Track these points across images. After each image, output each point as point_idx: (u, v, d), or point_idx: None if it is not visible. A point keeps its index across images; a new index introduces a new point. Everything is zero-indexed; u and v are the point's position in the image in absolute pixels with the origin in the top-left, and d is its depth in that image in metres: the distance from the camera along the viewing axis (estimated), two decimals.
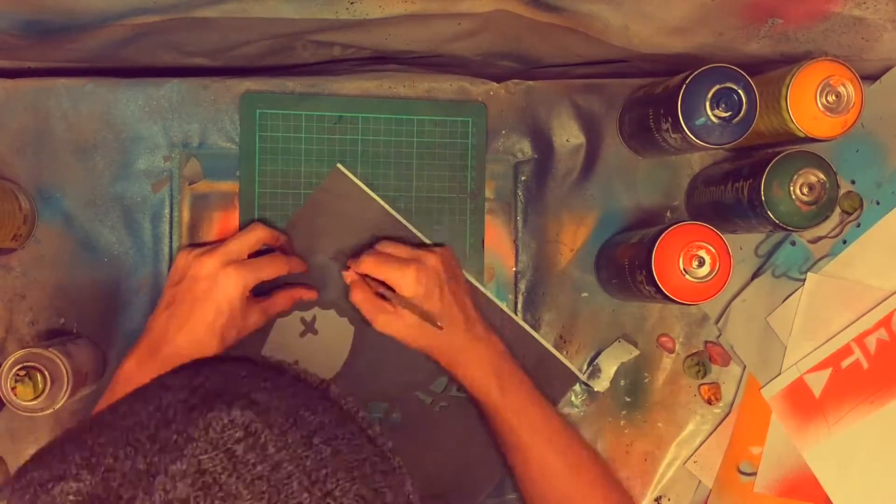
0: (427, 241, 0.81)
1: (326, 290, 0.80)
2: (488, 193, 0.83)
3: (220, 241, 0.75)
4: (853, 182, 0.83)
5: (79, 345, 0.75)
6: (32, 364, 0.69)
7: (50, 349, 0.70)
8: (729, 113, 0.71)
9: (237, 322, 0.72)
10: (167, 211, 0.80)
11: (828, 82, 0.71)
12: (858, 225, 0.83)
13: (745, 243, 0.84)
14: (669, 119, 0.72)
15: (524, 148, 0.84)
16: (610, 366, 0.83)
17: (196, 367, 0.44)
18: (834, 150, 0.79)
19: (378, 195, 0.81)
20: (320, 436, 0.40)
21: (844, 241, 0.83)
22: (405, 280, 0.74)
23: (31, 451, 0.78)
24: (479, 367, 0.75)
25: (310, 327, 0.80)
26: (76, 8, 0.67)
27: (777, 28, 0.74)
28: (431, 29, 0.76)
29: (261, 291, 0.75)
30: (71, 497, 0.36)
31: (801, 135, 0.72)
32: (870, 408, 0.82)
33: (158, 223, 0.80)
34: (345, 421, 0.42)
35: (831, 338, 0.82)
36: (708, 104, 0.71)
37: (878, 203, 0.83)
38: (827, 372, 0.82)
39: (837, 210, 0.82)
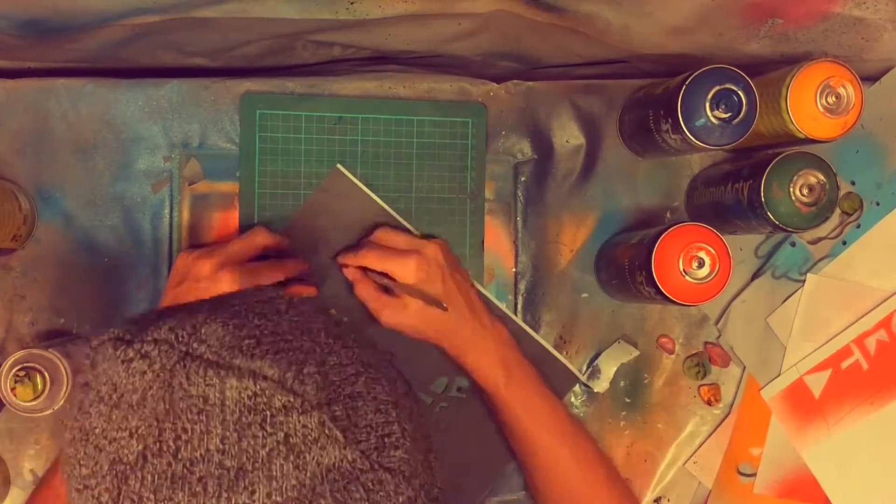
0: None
1: (325, 289, 0.80)
2: (488, 194, 0.83)
3: (221, 243, 0.75)
4: (853, 183, 0.83)
5: (79, 345, 0.75)
6: (32, 365, 0.69)
7: (50, 350, 0.70)
8: (729, 114, 0.71)
9: None
10: (167, 211, 0.80)
11: (828, 83, 0.71)
12: (858, 226, 0.83)
13: (744, 244, 0.83)
14: (669, 120, 0.72)
15: (524, 148, 0.84)
16: (610, 366, 0.83)
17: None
18: (834, 151, 0.79)
19: (378, 195, 0.81)
20: (337, 330, 0.45)
21: (844, 242, 0.83)
22: (407, 268, 0.74)
23: (31, 451, 0.78)
24: (486, 355, 0.75)
25: None
26: (76, 8, 0.67)
27: (777, 28, 0.74)
28: (431, 29, 0.76)
29: None
30: (149, 316, 0.43)
31: (801, 136, 0.72)
32: (869, 409, 0.82)
33: (158, 223, 0.80)
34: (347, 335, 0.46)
35: (831, 339, 0.82)
36: (708, 105, 0.71)
37: (877, 204, 0.83)
38: (827, 373, 0.82)
39: (837, 211, 0.82)
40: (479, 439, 0.81)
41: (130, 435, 0.39)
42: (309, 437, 0.39)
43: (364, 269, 0.77)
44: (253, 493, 0.38)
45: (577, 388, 0.83)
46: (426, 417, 0.47)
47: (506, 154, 0.84)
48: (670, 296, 0.72)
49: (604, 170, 0.84)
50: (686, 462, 0.84)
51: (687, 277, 0.72)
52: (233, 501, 0.37)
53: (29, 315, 0.79)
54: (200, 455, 0.38)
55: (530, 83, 0.84)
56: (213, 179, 0.81)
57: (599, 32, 0.76)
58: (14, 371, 0.69)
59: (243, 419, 0.38)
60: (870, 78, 0.82)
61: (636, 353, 0.83)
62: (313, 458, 0.39)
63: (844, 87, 0.71)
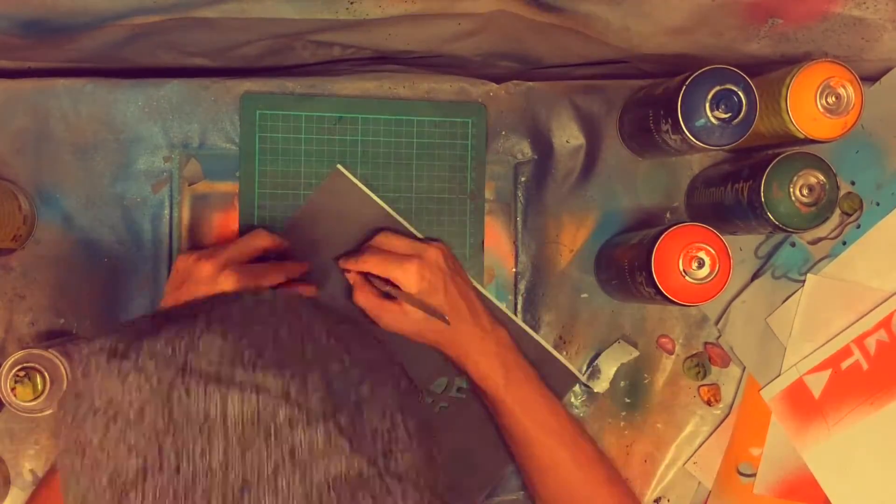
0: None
1: (326, 290, 0.80)
2: (488, 194, 0.83)
3: (222, 245, 0.75)
4: (853, 183, 0.83)
5: (79, 345, 0.75)
6: (32, 365, 0.69)
7: (49, 350, 0.70)
8: (729, 114, 0.71)
9: None
10: (167, 211, 0.80)
11: (828, 83, 0.71)
12: (858, 226, 0.83)
13: (744, 244, 0.83)
14: (669, 120, 0.72)
15: (524, 149, 0.84)
16: (610, 367, 0.83)
17: None
18: (834, 151, 0.79)
19: (378, 196, 0.81)
20: (335, 317, 0.45)
21: (844, 243, 0.83)
22: (408, 276, 0.74)
23: (31, 451, 0.78)
24: (485, 358, 0.75)
25: None
26: (76, 8, 0.67)
27: (777, 28, 0.74)
28: (431, 29, 0.76)
29: None
30: (146, 323, 0.42)
31: (801, 136, 0.72)
32: (869, 409, 0.82)
33: (158, 223, 0.80)
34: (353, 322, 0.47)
35: (831, 339, 0.82)
36: (708, 105, 0.71)
37: (877, 204, 0.83)
38: (827, 373, 0.82)
39: (837, 211, 0.82)
40: (479, 440, 0.80)
41: (129, 450, 0.38)
42: (315, 449, 0.38)
43: (364, 275, 0.77)
44: None
45: (577, 388, 0.83)
46: (429, 412, 0.47)
47: (506, 154, 0.84)
48: (670, 296, 0.72)
49: (604, 170, 0.84)
50: (686, 462, 0.84)
51: (687, 277, 0.72)
52: None
53: (29, 315, 0.79)
54: (203, 471, 0.37)
55: (530, 83, 0.84)
56: (213, 179, 0.81)
57: (599, 33, 0.76)
58: (14, 371, 0.69)
59: (246, 434, 0.38)
60: (870, 78, 0.82)
61: (636, 353, 0.83)
62: (319, 470, 0.38)
63: (844, 87, 0.71)
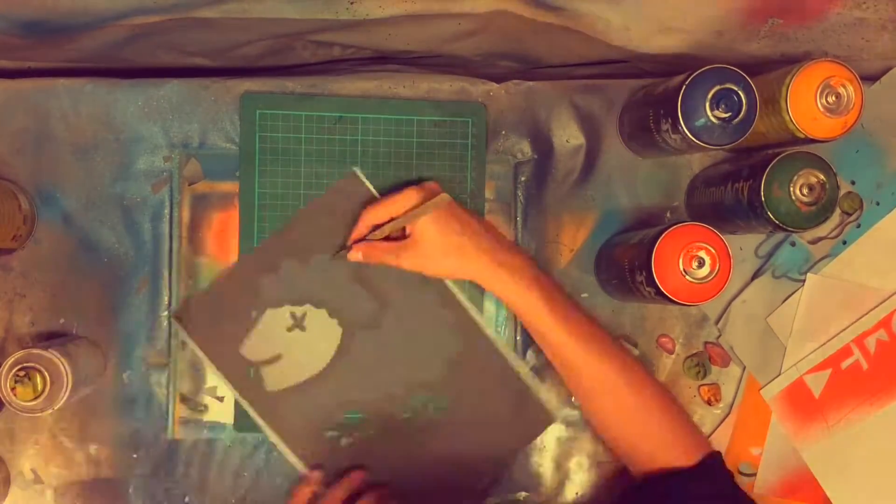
0: None
1: (321, 289, 0.80)
2: (488, 194, 0.83)
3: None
4: (853, 183, 0.83)
5: (79, 345, 0.75)
6: (32, 365, 0.69)
7: (50, 350, 0.70)
8: (729, 114, 0.71)
9: None
10: (167, 211, 0.80)
11: (828, 83, 0.71)
12: (858, 226, 0.83)
13: (745, 244, 0.84)
14: (669, 120, 0.72)
15: (524, 148, 0.84)
16: None
17: None
18: (834, 150, 0.79)
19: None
20: None
21: (844, 242, 0.83)
22: (408, 195, 0.74)
23: (31, 451, 0.78)
24: (522, 278, 0.74)
25: (298, 323, 0.80)
26: (76, 8, 0.67)
27: (777, 28, 0.74)
28: (431, 29, 0.76)
29: None
30: None
31: (802, 136, 0.72)
32: (869, 408, 0.82)
33: (158, 223, 0.80)
34: None
35: (831, 338, 0.82)
36: (708, 105, 0.71)
37: (877, 204, 0.83)
38: (827, 373, 0.82)
39: (837, 211, 0.82)
40: (457, 459, 0.81)
41: None
42: None
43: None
44: None
45: None
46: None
47: (506, 154, 0.84)
48: (670, 296, 0.72)
49: (604, 170, 0.84)
50: None
51: (687, 277, 0.72)
52: None
53: (29, 315, 0.79)
54: None
55: (530, 83, 0.84)
56: (213, 179, 0.81)
57: (599, 32, 0.76)
58: (14, 371, 0.69)
59: None
60: (870, 78, 0.82)
61: (636, 352, 0.83)
62: None
63: (844, 87, 0.71)
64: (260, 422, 0.79)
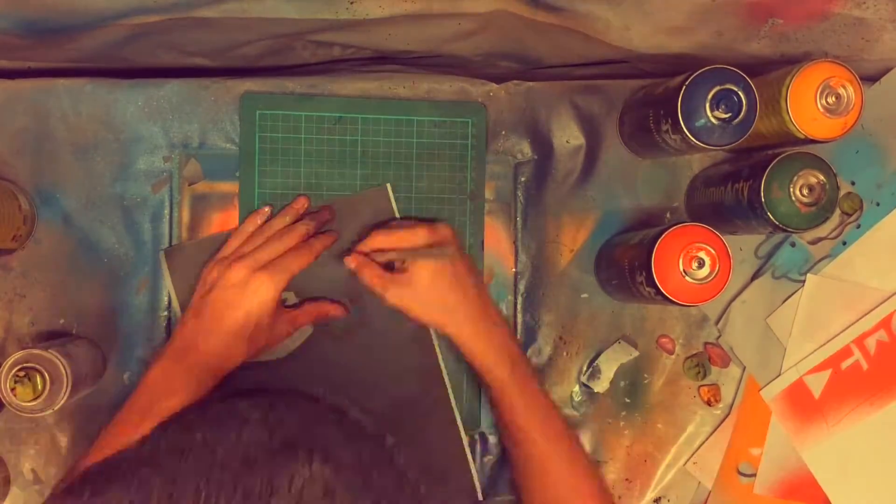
0: None
1: (312, 284, 0.79)
2: (488, 194, 0.83)
3: (249, 243, 0.76)
4: (853, 183, 0.83)
5: (79, 345, 0.75)
6: (32, 365, 0.69)
7: (49, 350, 0.70)
8: (729, 114, 0.71)
9: (266, 329, 0.72)
10: (167, 211, 0.80)
11: (828, 83, 0.71)
12: (858, 226, 0.83)
13: (744, 244, 0.83)
14: (669, 120, 0.72)
15: (524, 149, 0.84)
16: (609, 367, 0.83)
17: (269, 400, 0.45)
18: (834, 151, 0.79)
19: None
20: (385, 501, 0.41)
21: (844, 243, 0.83)
22: (417, 233, 0.74)
23: (31, 451, 0.78)
24: (494, 350, 0.74)
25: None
26: (76, 8, 0.67)
27: (777, 28, 0.74)
28: (431, 29, 0.76)
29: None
30: None
31: (801, 136, 0.72)
32: (869, 409, 0.82)
33: (158, 223, 0.80)
34: (402, 483, 0.43)
35: (831, 339, 0.82)
36: (708, 105, 0.71)
37: (878, 204, 0.83)
38: (827, 373, 0.82)
39: (837, 211, 0.82)
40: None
41: None
42: None
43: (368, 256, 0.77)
44: None
45: (576, 388, 0.83)
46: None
47: (506, 154, 0.84)
48: (670, 296, 0.72)
49: (604, 170, 0.84)
50: (686, 462, 0.84)
51: (687, 277, 0.72)
52: None
53: (29, 315, 0.79)
54: None
55: (530, 83, 0.84)
56: (213, 179, 0.81)
57: (599, 33, 0.76)
58: (14, 371, 0.69)
59: None
60: (870, 78, 0.82)
61: (636, 353, 0.83)
62: None
63: (844, 87, 0.71)
64: None
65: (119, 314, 0.80)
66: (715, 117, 0.71)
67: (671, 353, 0.84)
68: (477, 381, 0.79)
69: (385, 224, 0.78)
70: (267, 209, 0.79)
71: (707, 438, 0.84)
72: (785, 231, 0.73)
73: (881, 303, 0.82)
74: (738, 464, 0.84)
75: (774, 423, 0.83)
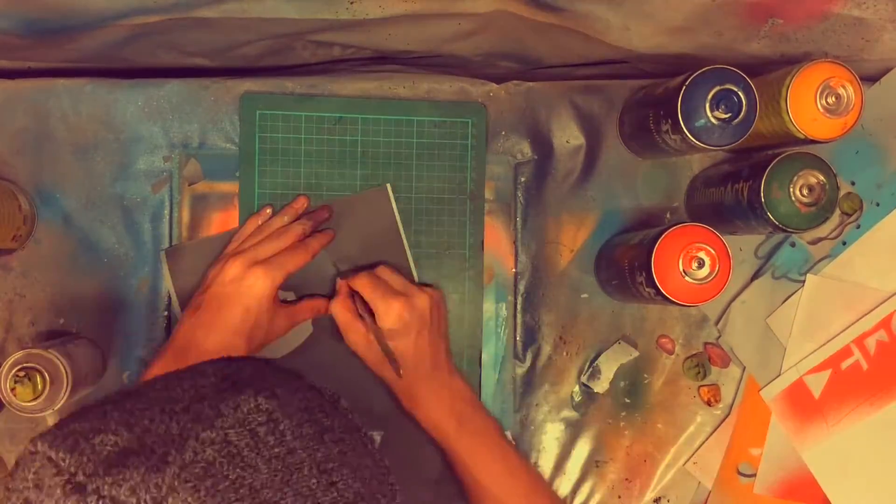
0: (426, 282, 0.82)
1: (312, 284, 0.80)
2: (488, 194, 0.83)
3: (249, 239, 0.77)
4: (853, 183, 0.83)
5: (78, 345, 0.75)
6: (32, 365, 0.69)
7: (49, 350, 0.70)
8: (729, 114, 0.71)
9: (264, 324, 0.73)
10: (167, 211, 0.80)
11: (828, 84, 0.71)
12: (858, 226, 0.83)
13: (744, 245, 0.83)
14: (669, 120, 0.72)
15: (524, 149, 0.84)
16: (609, 367, 0.83)
17: (227, 360, 0.48)
18: (834, 151, 0.79)
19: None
20: (330, 435, 0.44)
21: (844, 243, 0.83)
22: (389, 311, 0.74)
23: None
24: (439, 408, 0.75)
25: None
26: (76, 8, 0.67)
27: (777, 28, 0.74)
28: (431, 29, 0.76)
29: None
30: (108, 448, 0.39)
31: (801, 136, 0.72)
32: (869, 409, 0.82)
33: (158, 223, 0.80)
34: (351, 430, 0.45)
35: (831, 339, 0.82)
36: (708, 105, 0.71)
37: (877, 204, 0.83)
38: (826, 373, 0.82)
39: (837, 211, 0.82)
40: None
41: None
42: None
43: (351, 291, 0.77)
44: None
45: (576, 388, 0.83)
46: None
47: (506, 154, 0.84)
48: (670, 296, 0.72)
49: (604, 170, 0.84)
50: (686, 462, 0.84)
51: (687, 278, 0.72)
52: None
53: (29, 315, 0.79)
54: None
55: (530, 83, 0.84)
56: (213, 179, 0.81)
57: (599, 33, 0.76)
58: (14, 371, 0.69)
59: None
60: (870, 78, 0.82)
61: (636, 353, 0.83)
62: None
63: (844, 87, 0.71)
64: None
65: (119, 314, 0.80)
66: (715, 117, 0.71)
67: (671, 353, 0.84)
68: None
69: (379, 268, 0.78)
70: (268, 210, 0.79)
71: (707, 438, 0.84)
72: (785, 231, 0.73)
73: (881, 303, 0.82)
74: (738, 464, 0.84)
75: (774, 423, 0.83)
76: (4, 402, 0.70)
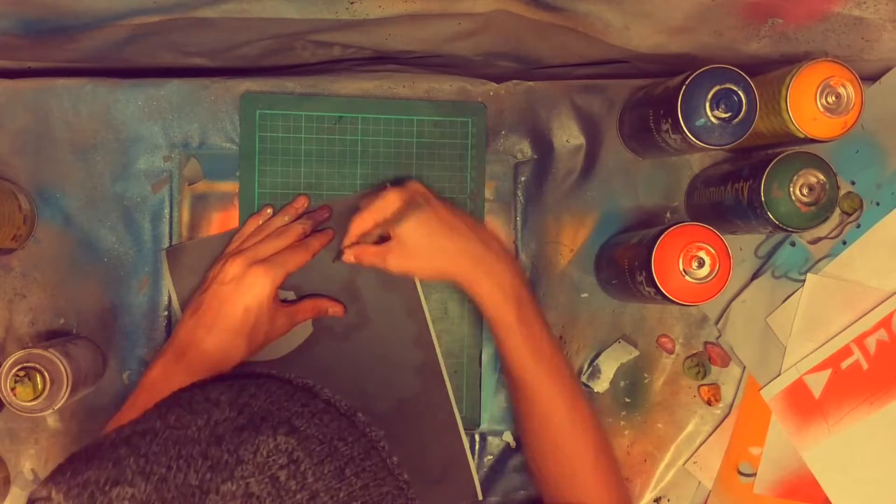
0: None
1: (311, 284, 0.80)
2: (488, 194, 0.83)
3: (249, 238, 0.77)
4: (853, 183, 0.83)
5: (78, 345, 0.75)
6: (32, 365, 0.69)
7: (50, 350, 0.70)
8: (729, 114, 0.71)
9: (264, 324, 0.72)
10: (167, 211, 0.80)
11: (828, 83, 0.71)
12: (858, 226, 0.83)
13: (744, 244, 0.84)
14: (669, 120, 0.72)
15: (524, 148, 0.84)
16: (610, 367, 0.83)
17: (240, 384, 0.46)
18: (834, 150, 0.79)
19: None
20: (351, 468, 0.43)
21: (844, 242, 0.83)
22: (388, 199, 0.73)
23: (31, 451, 0.78)
24: (500, 287, 0.73)
25: None
26: (76, 8, 0.67)
27: (777, 28, 0.74)
28: (431, 29, 0.76)
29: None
30: (126, 501, 0.38)
31: (801, 136, 0.72)
32: (869, 409, 0.82)
33: (158, 223, 0.80)
34: (370, 453, 0.45)
35: (831, 339, 0.82)
36: (708, 105, 0.71)
37: (877, 204, 0.83)
38: (826, 373, 0.82)
39: (837, 211, 0.82)
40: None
41: None
42: None
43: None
44: None
45: None
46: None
47: (506, 154, 0.84)
48: (670, 296, 0.72)
49: (604, 170, 0.84)
50: (686, 462, 0.84)
51: (687, 277, 0.72)
52: None
53: (29, 315, 0.79)
54: None
55: (530, 83, 0.84)
56: (213, 179, 0.81)
57: (599, 32, 0.76)
58: (14, 371, 0.69)
59: None
60: (870, 78, 0.82)
61: (636, 353, 0.83)
62: None
63: (844, 87, 0.71)
64: None
65: (119, 314, 0.80)
66: (715, 117, 0.71)
67: (671, 352, 0.84)
68: (484, 321, 0.78)
69: (356, 208, 0.77)
70: (268, 210, 0.79)
71: (707, 438, 0.84)
72: (785, 231, 0.73)
73: (881, 302, 0.82)
74: (738, 463, 0.84)
75: (774, 423, 0.83)
76: (4, 401, 0.70)
